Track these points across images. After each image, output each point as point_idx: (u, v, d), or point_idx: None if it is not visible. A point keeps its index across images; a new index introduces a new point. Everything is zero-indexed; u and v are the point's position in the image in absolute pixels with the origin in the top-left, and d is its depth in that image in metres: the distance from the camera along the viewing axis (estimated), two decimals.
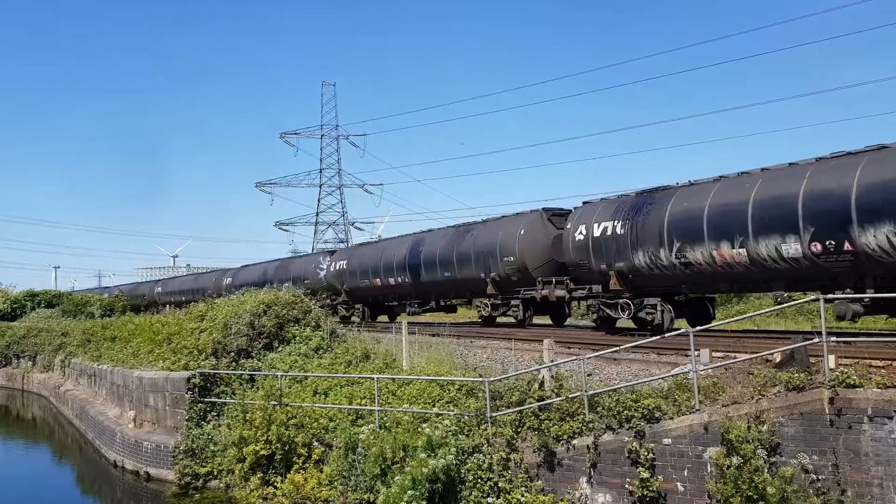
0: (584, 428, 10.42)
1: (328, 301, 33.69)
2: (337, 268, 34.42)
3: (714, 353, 11.99)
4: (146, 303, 53.77)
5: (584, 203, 20.99)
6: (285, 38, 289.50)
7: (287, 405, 14.04)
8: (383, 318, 34.03)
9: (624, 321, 19.60)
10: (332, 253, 37.67)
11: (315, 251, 38.39)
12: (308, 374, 15.41)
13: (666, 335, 12.40)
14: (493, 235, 23.96)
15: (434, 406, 12.19)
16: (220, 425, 15.22)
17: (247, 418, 13.93)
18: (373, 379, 13.26)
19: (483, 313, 25.08)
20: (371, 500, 11.50)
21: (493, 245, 23.64)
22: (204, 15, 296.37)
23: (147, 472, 15.99)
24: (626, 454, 9.92)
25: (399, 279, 29.12)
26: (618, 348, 12.86)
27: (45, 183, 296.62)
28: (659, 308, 17.83)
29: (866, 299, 13.21)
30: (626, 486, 9.85)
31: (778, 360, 10.27)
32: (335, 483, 12.37)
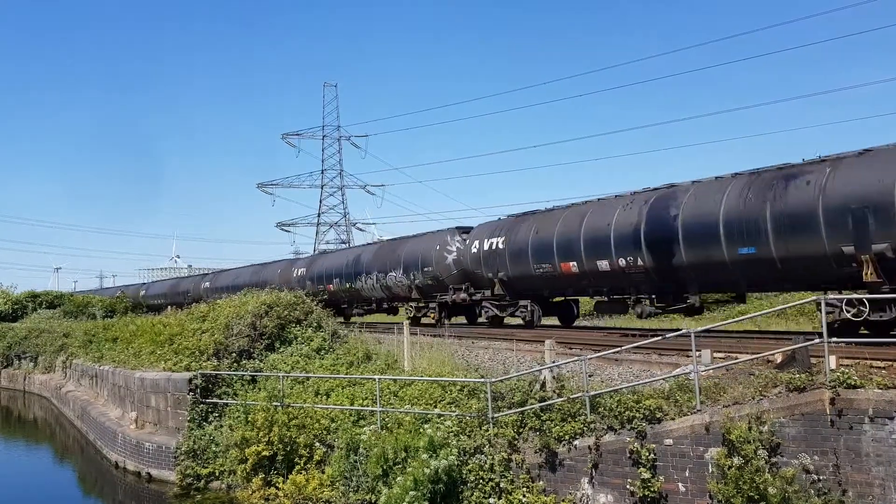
0: (585, 428, 10.43)
1: (465, 296, 25.20)
2: (485, 248, 23.53)
3: (715, 354, 11.99)
4: (191, 300, 43.99)
5: None
6: (287, 39, 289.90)
7: (289, 406, 14.06)
8: (550, 319, 24.70)
9: None
10: (466, 230, 26.98)
11: (439, 230, 28.26)
12: (310, 374, 15.43)
13: (667, 336, 12.40)
14: (885, 174, 13.20)
15: (436, 407, 12.21)
16: (221, 426, 15.26)
17: (248, 419, 13.96)
18: (374, 380, 13.29)
19: (846, 316, 13.39)
20: (373, 501, 11.51)
21: (886, 193, 13.04)
22: (205, 15, 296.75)
23: (149, 473, 16.02)
24: (628, 455, 9.93)
25: (624, 261, 18.15)
26: (619, 349, 12.87)
27: (45, 183, 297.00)
28: None
29: None
30: (628, 486, 9.86)
31: (779, 360, 10.28)
32: (337, 484, 12.39)
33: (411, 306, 29.28)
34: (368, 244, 34.95)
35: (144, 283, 69.29)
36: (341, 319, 35.97)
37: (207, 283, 49.85)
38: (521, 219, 23.46)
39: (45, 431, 25.48)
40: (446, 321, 26.20)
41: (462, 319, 28.35)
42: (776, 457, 8.93)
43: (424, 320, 28.40)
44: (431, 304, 27.54)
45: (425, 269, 27.02)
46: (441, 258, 26.47)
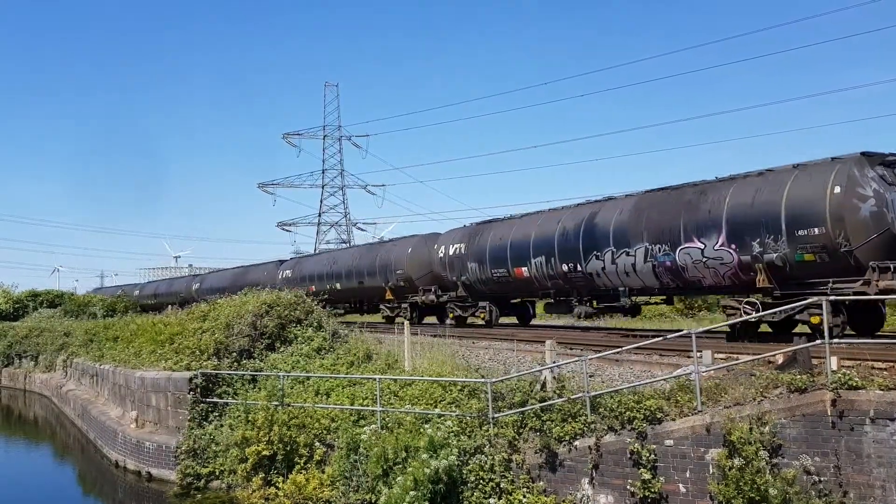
0: (585, 429, 10.42)
1: None
2: None
3: (716, 355, 11.98)
4: None
5: None
6: (287, 39, 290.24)
7: (289, 405, 14.06)
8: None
9: None
10: (879, 158, 13.92)
11: (816, 160, 14.37)
12: (310, 374, 15.42)
13: (668, 336, 12.39)
14: None
15: (436, 407, 12.20)
16: (222, 426, 15.24)
17: (249, 418, 13.95)
18: (375, 379, 13.27)
19: None
20: (373, 501, 11.50)
21: None
22: (205, 15, 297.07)
23: (149, 473, 16.01)
24: (628, 455, 9.92)
25: None
26: (620, 349, 12.86)
27: (46, 183, 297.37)
28: None
29: None
30: (628, 487, 9.85)
31: (780, 361, 10.27)
32: (337, 484, 12.38)
33: (746, 305, 15.33)
34: (607, 199, 19.71)
35: (197, 276, 61.14)
36: (513, 319, 25.12)
37: (288, 272, 39.06)
38: None
39: (45, 430, 25.50)
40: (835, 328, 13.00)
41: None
42: (777, 458, 8.92)
43: (763, 328, 16.17)
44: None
45: (798, 232, 14.06)
46: (844, 210, 13.44)
